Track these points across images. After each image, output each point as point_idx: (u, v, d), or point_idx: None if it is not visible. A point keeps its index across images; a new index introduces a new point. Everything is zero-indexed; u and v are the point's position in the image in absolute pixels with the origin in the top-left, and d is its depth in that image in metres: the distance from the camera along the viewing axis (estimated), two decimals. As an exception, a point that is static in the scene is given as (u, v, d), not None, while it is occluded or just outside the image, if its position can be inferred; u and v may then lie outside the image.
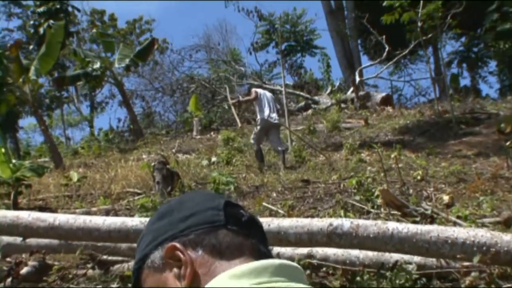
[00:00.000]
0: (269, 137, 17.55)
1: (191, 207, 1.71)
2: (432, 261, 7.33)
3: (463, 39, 36.47)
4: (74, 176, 16.17)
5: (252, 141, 17.88)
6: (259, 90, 18.25)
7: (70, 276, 9.49)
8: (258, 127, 17.43)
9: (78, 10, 41.82)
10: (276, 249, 7.94)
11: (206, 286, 1.52)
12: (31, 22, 41.92)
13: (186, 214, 1.69)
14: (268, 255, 1.66)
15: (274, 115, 17.33)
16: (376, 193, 10.88)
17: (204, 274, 1.57)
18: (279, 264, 1.57)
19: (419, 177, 13.02)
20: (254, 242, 1.67)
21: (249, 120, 28.53)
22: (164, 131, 31.75)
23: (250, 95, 18.50)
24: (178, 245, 1.61)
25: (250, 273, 1.52)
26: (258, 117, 17.46)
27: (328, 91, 32.03)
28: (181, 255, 1.59)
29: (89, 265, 9.64)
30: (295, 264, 1.64)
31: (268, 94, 18.23)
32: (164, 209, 1.78)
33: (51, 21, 36.40)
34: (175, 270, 1.60)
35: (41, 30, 36.56)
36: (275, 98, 28.69)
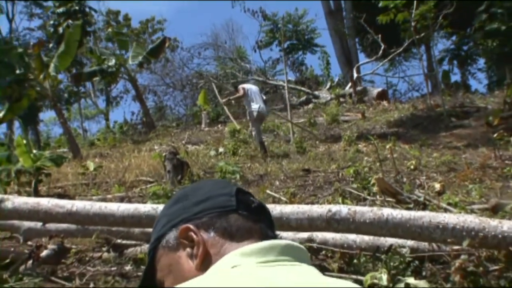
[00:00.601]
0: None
1: (204, 193, 1.73)
2: (424, 245, 7.33)
3: (454, 38, 36.45)
4: (91, 165, 16.21)
5: (253, 134, 18.08)
6: (246, 86, 18.60)
7: (87, 258, 9.52)
8: (254, 120, 17.54)
9: (95, 11, 41.85)
10: (278, 233, 7.94)
11: (216, 263, 1.56)
12: (51, 22, 41.91)
13: (200, 199, 1.71)
14: (275, 239, 1.67)
15: (264, 107, 17.66)
16: (372, 181, 10.88)
17: (215, 254, 1.59)
18: (285, 244, 1.60)
19: (412, 167, 13.02)
20: (263, 227, 1.69)
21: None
22: (175, 124, 31.72)
23: (238, 92, 18.55)
24: (191, 226, 1.63)
25: (258, 251, 1.55)
26: (251, 110, 17.53)
27: (328, 86, 31.96)
28: (194, 236, 1.62)
29: (104, 249, 9.66)
30: (300, 245, 1.66)
31: (254, 88, 18.55)
32: (179, 194, 1.81)
33: (70, 21, 36.50)
34: (188, 249, 1.63)
35: (60, 29, 36.61)
36: (279, 94, 28.74)
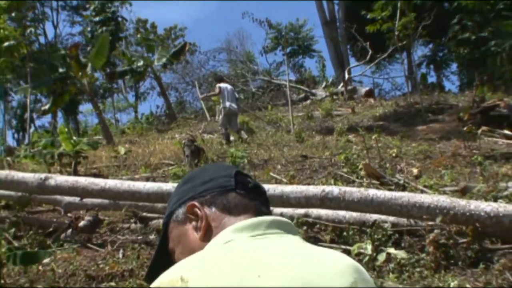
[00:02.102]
0: (230, 122, 18.14)
1: (208, 175, 1.76)
2: (403, 220, 7.33)
3: (431, 45, 36.38)
4: (122, 150, 16.25)
5: (219, 127, 18.66)
6: (222, 85, 18.88)
7: (117, 228, 9.55)
8: (223, 114, 18.09)
9: (126, 20, 41.82)
10: (280, 210, 7.95)
11: (213, 239, 1.59)
12: (89, 28, 41.99)
13: (205, 180, 1.73)
14: (268, 214, 1.70)
15: (234, 105, 18.19)
16: (360, 166, 10.88)
17: (215, 227, 1.62)
18: (272, 219, 1.62)
19: (394, 154, 13.00)
20: (258, 204, 1.71)
21: (259, 108, 28.48)
22: (193, 116, 31.63)
23: (215, 90, 19.20)
24: (196, 203, 1.66)
25: (248, 227, 1.58)
26: (221, 106, 18.36)
27: (323, 85, 31.79)
28: (199, 211, 1.65)
29: (132, 220, 9.69)
30: (286, 219, 1.68)
31: (229, 87, 19.00)
32: (188, 176, 1.84)
33: (104, 28, 36.55)
34: (194, 223, 1.66)
35: (97, 35, 36.69)
36: (282, 91, 28.63)
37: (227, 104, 17.98)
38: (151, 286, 1.42)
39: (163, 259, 1.77)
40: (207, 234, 1.62)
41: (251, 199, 1.70)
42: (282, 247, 1.53)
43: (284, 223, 1.65)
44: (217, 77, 23.80)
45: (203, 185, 1.72)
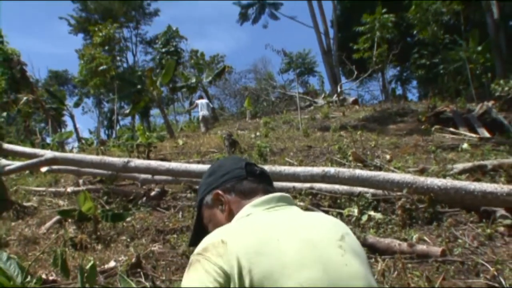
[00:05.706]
0: (206, 125, 20.83)
1: (225, 168, 1.78)
2: (380, 192, 7.28)
3: (398, 68, 36.20)
4: (180, 142, 16.31)
5: (202, 129, 20.82)
6: (198, 101, 21.85)
7: (178, 197, 9.57)
8: (201, 120, 21.10)
9: (183, 50, 42.17)
10: (292, 184, 7.92)
11: (238, 214, 1.64)
12: (158, 57, 42.40)
13: (224, 173, 1.76)
14: (274, 192, 1.72)
15: (207, 113, 21.12)
16: (349, 153, 10.83)
17: (236, 208, 1.66)
18: (280, 195, 1.67)
19: (373, 145, 12.91)
20: (265, 185, 1.74)
21: (277, 112, 28.39)
22: (230, 118, 31.69)
23: (194, 105, 22.54)
24: (220, 191, 1.71)
25: (262, 202, 1.62)
26: (199, 114, 21.10)
27: (322, 96, 31.57)
28: (222, 198, 1.70)
29: (188, 191, 9.71)
30: (288, 195, 1.72)
31: (204, 102, 21.72)
32: (211, 169, 1.85)
33: (168, 57, 36.79)
34: (220, 206, 1.70)
35: (163, 61, 37.01)
36: (292, 99, 28.46)
37: (202, 113, 20.87)
38: (200, 245, 1.44)
39: (200, 231, 1.81)
40: (230, 214, 1.65)
41: (259, 183, 1.73)
42: (290, 215, 1.57)
43: (288, 197, 1.69)
44: (198, 95, 27.84)
45: (223, 177, 1.74)
